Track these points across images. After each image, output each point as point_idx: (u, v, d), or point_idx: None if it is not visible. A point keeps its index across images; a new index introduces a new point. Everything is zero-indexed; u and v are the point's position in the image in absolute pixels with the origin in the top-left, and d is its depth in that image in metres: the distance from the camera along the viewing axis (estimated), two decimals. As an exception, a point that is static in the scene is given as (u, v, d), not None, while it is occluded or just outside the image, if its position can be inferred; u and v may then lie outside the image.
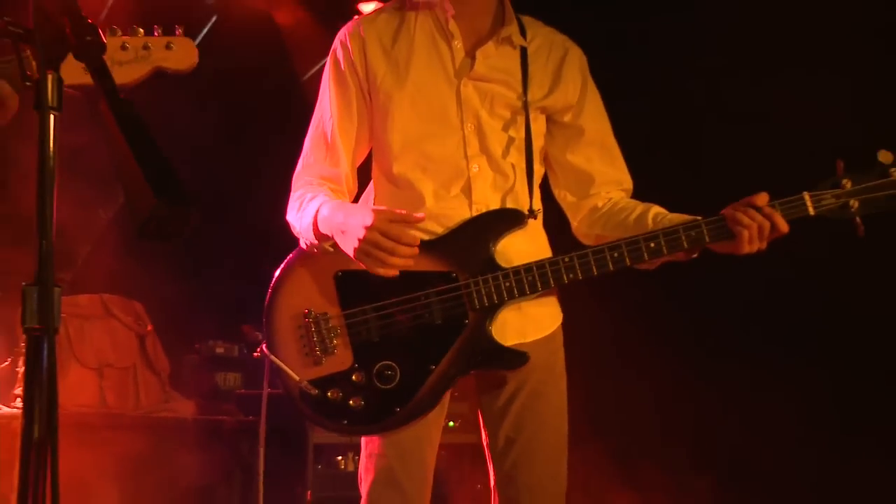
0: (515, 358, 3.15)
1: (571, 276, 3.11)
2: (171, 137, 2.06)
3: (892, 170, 3.08)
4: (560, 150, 3.33)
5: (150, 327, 5.06)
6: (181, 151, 2.13)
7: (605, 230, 3.25)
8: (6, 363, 4.67)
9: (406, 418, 3.10)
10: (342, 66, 3.28)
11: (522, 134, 3.26)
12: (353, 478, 4.63)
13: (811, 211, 3.07)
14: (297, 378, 3.10)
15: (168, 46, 2.32)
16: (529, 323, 3.20)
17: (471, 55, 3.25)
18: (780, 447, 5.32)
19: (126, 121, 1.67)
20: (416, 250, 3.00)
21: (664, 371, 5.39)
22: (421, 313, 3.12)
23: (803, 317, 5.28)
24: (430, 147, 3.22)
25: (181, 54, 2.33)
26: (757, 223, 3.01)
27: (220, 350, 5.36)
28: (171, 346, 5.18)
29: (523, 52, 3.30)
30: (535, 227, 3.28)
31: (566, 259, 3.11)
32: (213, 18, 5.89)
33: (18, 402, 4.61)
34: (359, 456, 4.27)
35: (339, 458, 4.89)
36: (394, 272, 2.98)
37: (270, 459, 4.57)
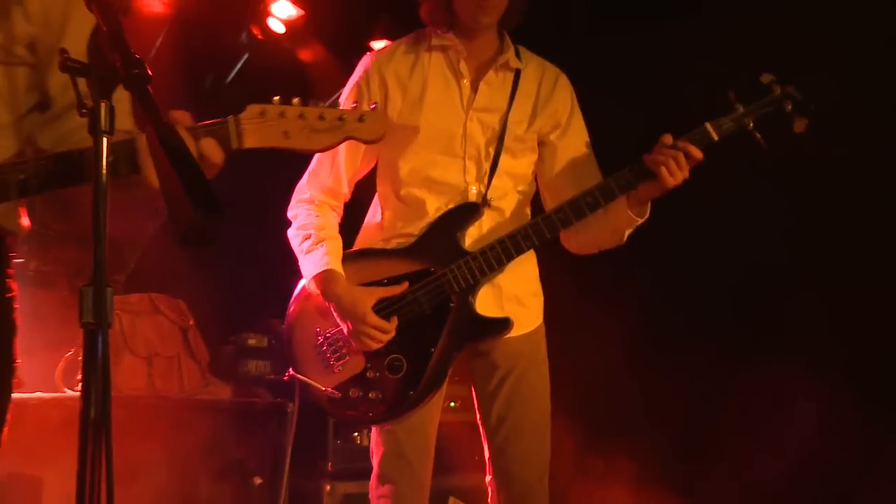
0: (499, 324, 3.19)
1: (528, 243, 3.16)
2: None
3: (775, 86, 3.14)
4: (549, 168, 3.35)
5: (191, 322, 5.06)
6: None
7: (586, 231, 3.27)
8: (71, 353, 4.70)
9: (420, 398, 3.14)
10: (364, 94, 3.28)
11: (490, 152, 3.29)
12: (367, 451, 4.56)
13: (715, 136, 3.10)
14: (322, 388, 3.15)
15: (361, 119, 2.23)
16: (515, 322, 3.20)
17: (474, 88, 3.28)
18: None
19: (169, 144, 1.66)
20: (393, 333, 3.09)
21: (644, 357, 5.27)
22: (412, 308, 3.15)
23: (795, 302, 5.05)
24: (435, 173, 3.25)
25: (372, 127, 2.24)
26: (671, 156, 3.01)
27: (251, 341, 5.34)
28: (209, 338, 5.18)
29: (516, 74, 3.32)
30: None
31: (521, 230, 3.14)
32: (245, 56, 5.91)
33: (79, 388, 4.62)
34: (364, 432, 4.31)
35: (356, 434, 4.89)
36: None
37: (296, 436, 4.58)
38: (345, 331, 3.12)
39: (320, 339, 3.20)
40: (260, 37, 5.96)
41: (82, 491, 1.65)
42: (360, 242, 3.38)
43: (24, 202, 2.29)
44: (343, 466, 4.75)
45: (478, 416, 3.34)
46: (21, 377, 4.37)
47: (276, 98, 2.16)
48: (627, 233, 3.23)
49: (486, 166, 3.27)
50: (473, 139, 3.27)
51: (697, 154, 3.03)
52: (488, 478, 3.32)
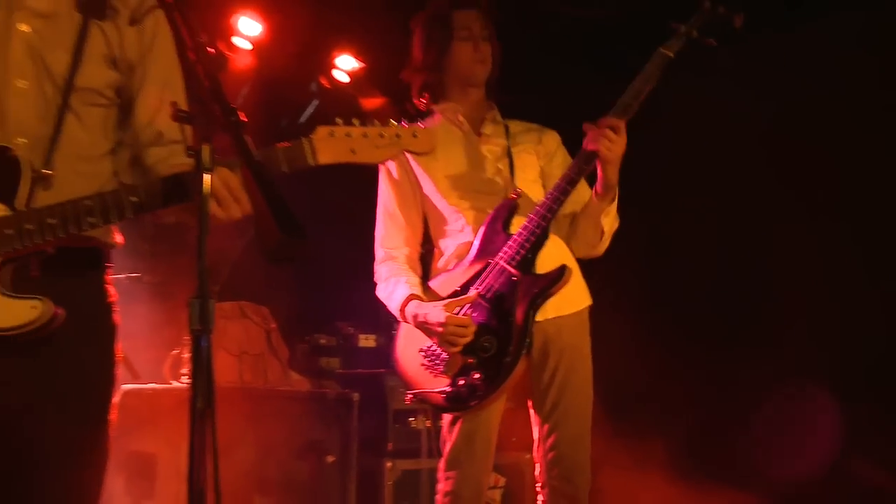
0: (559, 273, 3.13)
1: (555, 209, 3.13)
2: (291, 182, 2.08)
3: (705, 2, 3.15)
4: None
5: (273, 325, 5.10)
6: (300, 192, 2.10)
7: (576, 237, 3.30)
8: (176, 351, 4.77)
9: (515, 362, 3.08)
10: (396, 177, 3.38)
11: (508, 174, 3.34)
12: (422, 434, 4.70)
13: (670, 54, 3.11)
14: (437, 391, 3.11)
15: (414, 135, 2.20)
16: (564, 301, 3.19)
17: (477, 132, 3.37)
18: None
19: (259, 177, 1.71)
20: (473, 326, 3.08)
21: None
22: (484, 298, 3.13)
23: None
24: (472, 191, 3.32)
25: (423, 141, 2.22)
26: (600, 134, 3.02)
27: (323, 341, 5.36)
28: (288, 338, 5.22)
29: (507, 128, 3.42)
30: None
31: (544, 206, 3.13)
32: (315, 102, 5.96)
33: (184, 380, 4.67)
34: (418, 417, 4.28)
35: (411, 419, 4.84)
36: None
37: (361, 421, 4.63)
38: (436, 342, 3.12)
39: (422, 357, 3.18)
40: (328, 86, 6.03)
41: (193, 465, 1.69)
42: (431, 281, 3.38)
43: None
44: (401, 447, 4.73)
45: (529, 404, 3.32)
46: (138, 371, 4.48)
47: (340, 120, 2.14)
48: (605, 226, 3.21)
49: (507, 172, 3.33)
50: (491, 158, 3.35)
51: (617, 122, 3.02)
52: (536, 455, 3.30)
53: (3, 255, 2.02)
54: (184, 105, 1.85)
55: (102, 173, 2.24)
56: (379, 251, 3.38)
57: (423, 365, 3.18)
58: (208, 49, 1.83)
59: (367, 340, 5.34)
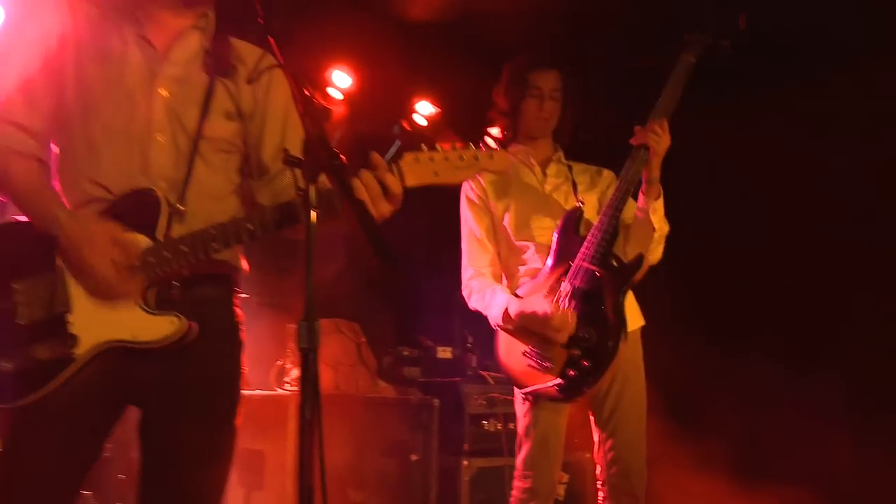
0: (638, 262, 3.15)
1: (620, 208, 3.19)
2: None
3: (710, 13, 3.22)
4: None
5: (363, 339, 5.16)
6: (403, 230, 2.12)
7: (630, 241, 3.31)
8: (280, 362, 4.85)
9: (616, 346, 3.07)
10: (478, 204, 3.44)
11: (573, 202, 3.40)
12: (494, 435, 4.74)
13: (693, 59, 3.17)
14: (550, 385, 3.10)
15: (490, 157, 2.16)
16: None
17: (543, 172, 3.47)
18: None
19: (358, 212, 1.76)
20: (575, 317, 3.09)
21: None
22: (575, 294, 3.14)
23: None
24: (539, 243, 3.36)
25: (498, 162, 2.16)
26: (649, 130, 3.11)
27: (406, 353, 5.40)
28: (376, 350, 5.26)
29: (570, 168, 3.50)
30: None
31: (610, 206, 3.19)
32: (398, 143, 6.02)
33: (287, 387, 4.78)
34: (491, 420, 4.27)
35: (485, 422, 4.88)
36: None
37: (441, 424, 4.68)
38: (540, 339, 3.12)
39: (527, 357, 3.18)
40: (408, 129, 6.04)
41: (302, 466, 1.74)
42: (519, 289, 3.40)
43: (243, 250, 2.36)
44: (476, 447, 4.77)
45: (589, 412, 3.35)
46: (247, 379, 4.58)
47: (424, 146, 2.15)
48: (655, 222, 3.20)
49: (568, 203, 3.38)
50: (555, 200, 3.42)
51: (660, 122, 3.10)
52: (597, 456, 3.33)
53: (148, 279, 2.13)
54: (296, 150, 1.87)
55: (228, 209, 2.32)
56: (467, 270, 3.43)
57: (530, 365, 3.16)
58: (315, 102, 1.89)
59: (444, 352, 5.36)
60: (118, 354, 2.12)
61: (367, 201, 2.03)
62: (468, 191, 3.47)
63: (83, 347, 2.10)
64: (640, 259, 3.13)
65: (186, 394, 2.21)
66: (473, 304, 3.38)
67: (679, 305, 4.92)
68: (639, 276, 3.14)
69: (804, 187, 4.86)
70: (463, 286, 3.44)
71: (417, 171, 2.12)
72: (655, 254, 3.29)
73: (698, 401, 5.15)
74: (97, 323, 2.11)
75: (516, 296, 3.29)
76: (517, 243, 3.38)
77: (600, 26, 4.99)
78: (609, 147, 3.47)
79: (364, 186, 2.04)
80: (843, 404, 4.73)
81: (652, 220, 3.20)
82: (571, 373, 3.06)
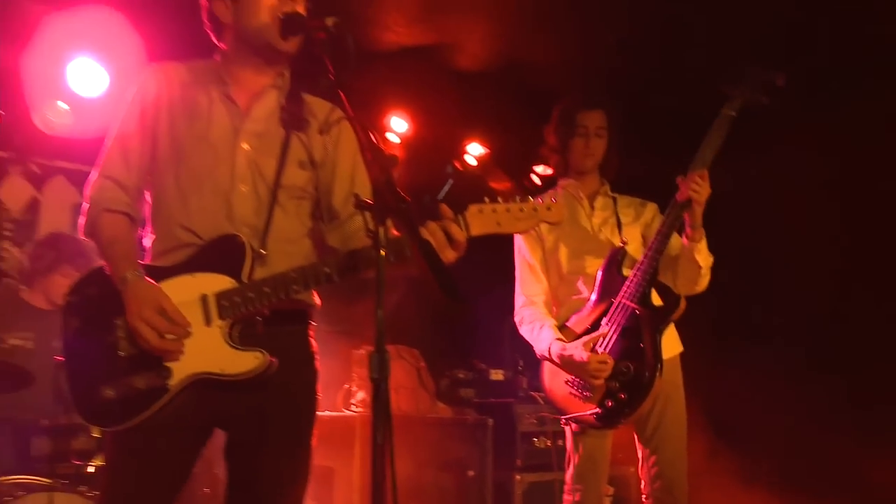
0: (674, 302, 3.14)
1: (661, 250, 3.17)
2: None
3: (749, 69, 3.18)
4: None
5: (423, 364, 5.16)
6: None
7: (676, 274, 3.27)
8: (346, 385, 4.88)
9: (652, 380, 3.06)
10: (530, 232, 3.35)
11: (618, 239, 3.38)
12: (545, 452, 4.71)
13: (733, 113, 3.13)
14: (589, 413, 3.10)
15: (548, 208, 2.16)
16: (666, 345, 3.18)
17: (591, 205, 3.45)
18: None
19: (426, 253, 1.78)
20: (611, 362, 3.07)
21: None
22: (614, 334, 3.15)
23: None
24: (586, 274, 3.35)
25: (555, 213, 2.16)
26: (691, 181, 3.07)
27: (461, 375, 5.38)
28: (434, 374, 5.25)
29: (615, 200, 3.47)
30: None
31: (652, 247, 3.16)
32: (450, 181, 6.03)
33: (353, 409, 4.80)
34: (541, 438, 4.24)
35: (535, 439, 4.87)
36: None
37: (495, 441, 4.66)
38: (581, 374, 3.13)
39: (569, 386, 3.19)
40: (460, 168, 6.07)
41: (375, 485, 1.79)
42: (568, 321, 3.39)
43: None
44: (528, 462, 4.75)
45: (635, 431, 3.33)
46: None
47: (487, 199, 2.14)
48: (701, 261, 3.17)
49: (616, 240, 3.36)
50: (600, 231, 3.41)
51: (700, 173, 3.06)
52: (641, 472, 3.30)
53: (233, 318, 2.17)
54: (366, 196, 1.90)
55: (302, 251, 2.36)
56: (520, 297, 3.43)
57: (572, 393, 3.17)
58: (382, 150, 1.91)
59: (496, 374, 5.35)
60: (206, 384, 2.16)
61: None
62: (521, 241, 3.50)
63: (176, 379, 2.15)
64: (677, 300, 3.14)
65: (268, 420, 2.24)
66: (523, 332, 3.39)
67: (724, 328, 4.86)
68: (676, 315, 3.15)
69: (835, 210, 4.79)
70: (515, 313, 3.44)
71: (481, 221, 2.12)
72: (702, 284, 3.27)
73: (740, 418, 5.05)
74: (188, 356, 2.15)
75: (564, 326, 3.31)
76: (567, 274, 3.37)
77: (640, 73, 4.98)
78: (652, 181, 3.50)
79: (430, 235, 2.05)
80: (887, 421, 4.60)
81: (697, 259, 3.18)
82: (609, 403, 3.08)
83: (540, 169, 6.03)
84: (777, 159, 4.86)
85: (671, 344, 3.30)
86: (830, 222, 4.81)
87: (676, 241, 3.24)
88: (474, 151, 6.07)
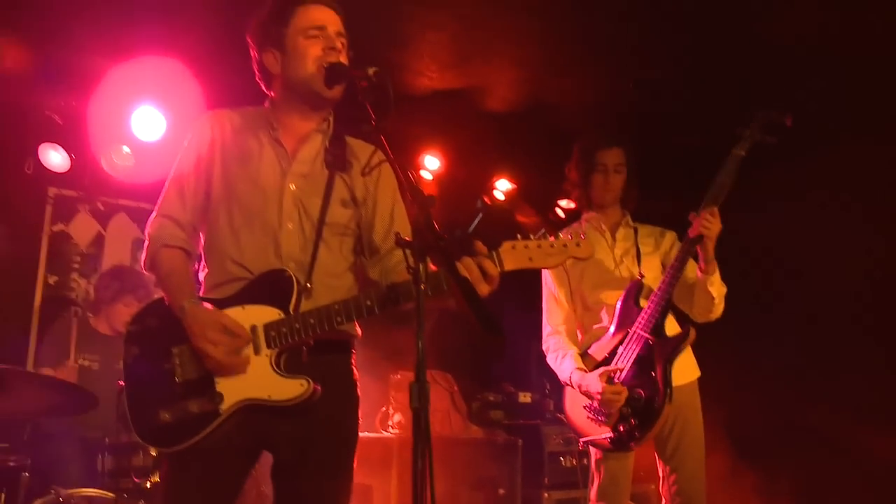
0: (685, 334, 3.11)
1: (672, 288, 3.14)
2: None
3: (758, 112, 3.14)
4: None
5: (455, 388, 5.13)
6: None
7: (692, 303, 3.23)
8: (384, 408, 4.84)
9: (662, 407, 3.03)
10: (551, 277, 3.42)
11: (637, 270, 3.33)
12: (571, 470, 4.65)
13: (742, 153, 3.07)
14: (603, 437, 3.10)
15: (578, 244, 2.13)
16: (678, 374, 3.13)
17: (613, 236, 3.41)
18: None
19: (464, 288, 1.75)
20: (624, 391, 3.05)
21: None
22: (628, 361, 3.12)
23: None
24: (607, 285, 3.34)
25: (585, 248, 2.14)
26: (702, 219, 3.02)
27: (491, 398, 5.34)
28: (466, 397, 5.22)
29: (635, 230, 3.43)
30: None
31: (666, 282, 3.13)
32: (480, 215, 6.02)
33: (390, 430, 4.76)
34: (567, 457, 4.19)
35: (562, 458, 4.82)
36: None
37: (524, 461, 4.60)
38: (597, 402, 3.12)
39: (586, 411, 3.19)
40: (489, 203, 6.09)
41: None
42: (590, 349, 3.37)
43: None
44: (555, 481, 4.70)
45: (655, 448, 3.27)
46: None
47: (519, 235, 2.12)
48: (714, 293, 3.13)
49: (635, 269, 3.33)
50: (623, 262, 3.37)
51: (711, 210, 3.02)
52: (662, 489, 3.25)
53: (280, 347, 2.15)
54: (405, 233, 1.87)
55: (345, 284, 2.35)
56: (546, 327, 3.42)
57: (588, 418, 3.17)
58: (422, 191, 1.90)
59: (524, 397, 5.29)
60: (254, 409, 2.15)
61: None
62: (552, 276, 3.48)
63: (227, 403, 2.14)
64: (687, 331, 3.12)
65: (311, 444, 2.22)
66: (549, 361, 3.39)
67: (744, 352, 4.75)
68: (686, 345, 3.12)
69: (853, 239, 4.68)
70: (543, 341, 3.43)
71: (514, 257, 2.10)
72: (716, 312, 3.24)
73: (760, 439, 4.95)
74: (239, 383, 2.15)
75: (586, 354, 3.29)
76: (591, 304, 3.34)
77: (655, 113, 4.95)
78: (669, 216, 3.47)
79: (466, 270, 2.02)
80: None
81: (710, 291, 3.15)
82: (621, 428, 3.08)
83: (564, 203, 6.01)
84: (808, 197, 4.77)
85: (689, 369, 3.27)
86: (847, 249, 4.72)
87: (692, 270, 3.20)
88: (502, 187, 6.05)
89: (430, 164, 5.64)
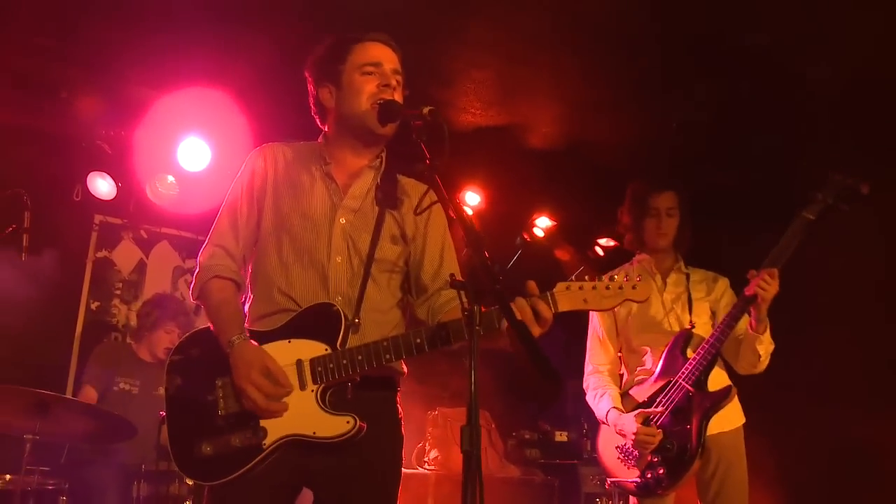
0: (725, 392, 3.08)
1: (723, 340, 3.09)
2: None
3: (836, 175, 3.00)
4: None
5: (493, 425, 5.07)
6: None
7: (738, 358, 3.19)
8: (420, 444, 4.77)
9: (692, 461, 3.02)
10: (598, 317, 3.40)
11: (687, 317, 3.29)
12: (603, 510, 4.52)
13: (812, 217, 2.95)
14: (630, 480, 3.09)
15: (633, 287, 2.07)
16: (724, 420, 3.12)
17: (664, 281, 3.37)
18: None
19: (521, 333, 1.71)
20: (659, 436, 3.05)
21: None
22: (666, 409, 3.11)
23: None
24: (652, 346, 3.30)
25: (641, 291, 2.08)
26: (760, 279, 2.93)
27: (527, 436, 5.31)
28: (503, 434, 5.14)
29: (687, 276, 3.37)
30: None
31: (718, 333, 3.09)
32: (519, 251, 5.97)
33: (426, 466, 4.69)
34: (603, 499, 4.11)
35: (597, 500, 4.73)
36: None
37: (560, 501, 4.50)
38: (629, 444, 3.12)
39: (617, 452, 3.18)
40: (528, 239, 6.05)
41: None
42: (631, 389, 3.35)
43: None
44: (590, 521, 4.61)
45: (697, 491, 3.21)
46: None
47: (573, 277, 2.07)
48: (761, 351, 3.07)
49: (685, 316, 3.27)
50: (670, 307, 3.32)
51: (771, 272, 2.93)
52: None
53: (326, 383, 2.12)
54: (459, 275, 1.85)
55: (392, 321, 2.32)
56: (588, 366, 3.40)
57: (618, 458, 3.16)
58: (478, 233, 1.86)
59: (560, 436, 5.22)
60: (297, 445, 2.11)
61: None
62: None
63: (270, 439, 2.11)
64: (728, 390, 3.08)
65: (354, 482, 2.17)
66: (588, 399, 3.37)
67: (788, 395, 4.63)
68: (726, 404, 3.07)
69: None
70: (584, 379, 3.42)
71: (568, 298, 2.05)
72: (760, 368, 3.19)
73: (809, 481, 4.76)
74: (283, 418, 2.11)
75: (627, 394, 3.27)
76: (635, 346, 3.29)
77: (699, 153, 4.91)
78: (706, 250, 3.43)
79: (519, 311, 1.97)
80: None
81: (758, 349, 3.10)
82: (648, 475, 3.06)
83: (603, 241, 5.96)
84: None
85: (734, 416, 3.23)
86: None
87: (744, 323, 3.13)
88: (542, 224, 6.01)
89: (471, 200, 5.63)
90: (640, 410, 3.11)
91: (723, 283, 3.41)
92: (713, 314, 3.33)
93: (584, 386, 3.37)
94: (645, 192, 3.40)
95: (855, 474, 4.65)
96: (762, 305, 2.99)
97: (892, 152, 4.44)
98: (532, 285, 2.01)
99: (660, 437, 3.02)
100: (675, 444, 3.02)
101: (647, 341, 3.30)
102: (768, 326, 3.08)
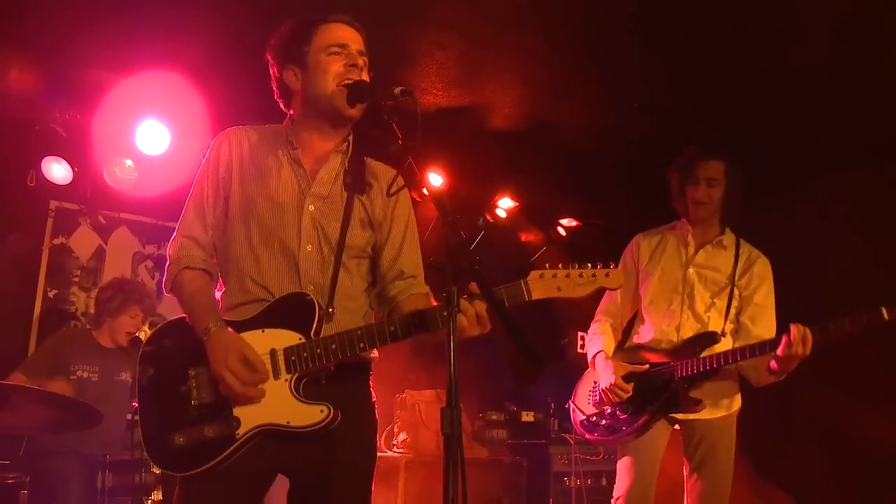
0: (694, 403, 3.10)
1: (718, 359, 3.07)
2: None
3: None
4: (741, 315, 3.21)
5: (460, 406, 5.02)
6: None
7: (748, 370, 3.17)
8: (389, 426, 4.74)
9: (651, 422, 3.13)
10: (628, 263, 3.36)
11: (725, 303, 3.18)
12: (576, 490, 4.57)
13: (886, 317, 2.72)
14: (586, 413, 3.25)
15: (607, 275, 2.05)
16: (718, 407, 3.13)
17: (694, 253, 3.26)
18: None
19: (504, 316, 1.68)
20: (630, 393, 3.14)
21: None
22: (648, 380, 3.15)
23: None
24: (660, 316, 3.26)
25: (614, 278, 2.04)
26: (798, 338, 2.82)
27: (494, 417, 5.28)
28: (469, 415, 5.15)
29: (737, 253, 3.20)
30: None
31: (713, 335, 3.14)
32: (482, 232, 5.98)
33: (395, 449, 4.66)
34: (571, 478, 4.15)
35: (566, 479, 4.75)
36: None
37: (528, 480, 4.53)
38: (602, 386, 3.19)
39: (592, 385, 3.30)
40: (491, 220, 6.06)
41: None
42: (627, 347, 3.36)
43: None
44: (560, 500, 4.66)
45: (684, 453, 3.23)
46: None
47: (547, 265, 2.04)
48: (773, 380, 3.01)
49: (688, 301, 3.20)
50: (689, 283, 3.21)
51: (809, 338, 2.78)
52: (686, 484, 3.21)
53: (300, 372, 2.08)
54: (410, 265, 1.81)
55: (362, 307, 2.28)
56: (598, 315, 3.41)
57: (589, 391, 3.28)
58: (454, 214, 1.85)
59: (527, 416, 5.22)
60: (271, 434, 2.07)
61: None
62: (627, 251, 3.39)
63: (244, 428, 2.06)
64: (698, 402, 3.04)
65: (330, 469, 2.14)
66: (586, 338, 3.42)
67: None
68: (692, 411, 3.08)
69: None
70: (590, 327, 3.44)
71: (542, 286, 2.02)
72: (763, 384, 3.12)
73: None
74: (257, 408, 2.07)
75: (636, 346, 3.29)
76: (643, 309, 3.31)
77: (662, 136, 4.91)
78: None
79: (464, 314, 1.93)
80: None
81: (770, 377, 3.03)
82: (606, 423, 3.19)
83: (565, 221, 5.96)
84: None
85: (728, 402, 3.17)
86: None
87: (765, 332, 3.12)
88: (505, 205, 6.00)
89: (433, 182, 5.58)
90: (627, 366, 3.15)
91: (761, 266, 3.21)
92: (741, 300, 3.19)
93: (591, 333, 3.38)
94: (691, 159, 3.24)
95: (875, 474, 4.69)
96: (791, 363, 2.85)
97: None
98: (473, 286, 1.96)
99: (629, 396, 3.09)
100: (630, 410, 3.11)
101: (652, 306, 3.25)
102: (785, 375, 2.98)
